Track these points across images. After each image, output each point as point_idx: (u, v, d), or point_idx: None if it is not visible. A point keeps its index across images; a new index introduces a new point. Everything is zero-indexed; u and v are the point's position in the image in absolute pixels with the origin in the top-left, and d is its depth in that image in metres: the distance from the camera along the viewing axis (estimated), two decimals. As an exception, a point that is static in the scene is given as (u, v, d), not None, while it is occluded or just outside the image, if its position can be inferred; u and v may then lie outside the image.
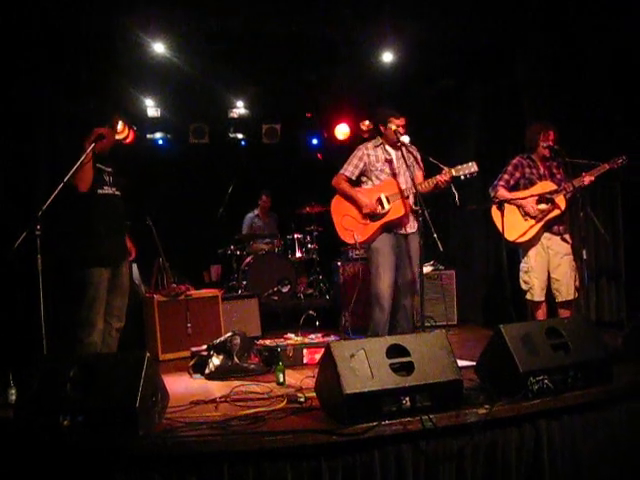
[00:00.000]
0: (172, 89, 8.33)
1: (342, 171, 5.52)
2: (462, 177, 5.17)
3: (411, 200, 5.36)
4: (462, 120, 7.68)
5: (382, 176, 5.40)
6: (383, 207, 5.32)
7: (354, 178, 5.49)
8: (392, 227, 5.35)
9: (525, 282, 5.62)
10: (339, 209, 5.56)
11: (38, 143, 5.73)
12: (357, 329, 6.52)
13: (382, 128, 5.43)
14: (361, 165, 5.44)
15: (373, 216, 5.33)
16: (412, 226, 5.39)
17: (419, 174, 5.40)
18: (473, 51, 7.07)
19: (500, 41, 6.84)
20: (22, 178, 5.53)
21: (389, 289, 5.29)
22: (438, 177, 5.18)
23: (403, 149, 5.19)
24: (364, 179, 5.49)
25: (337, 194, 5.59)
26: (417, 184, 5.10)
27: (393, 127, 5.23)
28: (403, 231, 5.38)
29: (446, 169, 5.16)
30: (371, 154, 5.44)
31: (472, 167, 5.16)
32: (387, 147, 5.46)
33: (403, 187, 5.29)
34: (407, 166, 5.21)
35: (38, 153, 5.71)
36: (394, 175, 5.37)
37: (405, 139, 5.22)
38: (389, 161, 5.41)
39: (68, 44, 5.96)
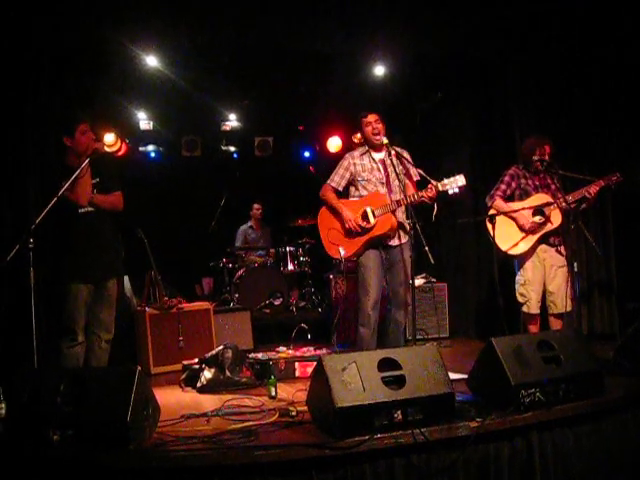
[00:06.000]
0: (164, 102, 8.35)
1: (328, 182, 5.35)
2: (451, 192, 4.93)
3: (401, 211, 5.17)
4: (455, 133, 7.68)
5: (369, 186, 5.19)
6: (368, 222, 5.10)
7: (341, 189, 5.32)
8: (379, 241, 5.15)
9: (522, 295, 5.59)
10: (325, 222, 5.38)
11: (30, 149, 5.70)
12: (349, 342, 6.49)
13: (360, 133, 5.37)
14: (347, 175, 5.27)
15: (358, 231, 5.13)
16: (402, 237, 5.19)
17: (410, 183, 5.20)
18: (465, 64, 7.09)
19: (492, 53, 6.86)
20: (18, 185, 5.49)
21: (375, 306, 5.13)
22: (423, 193, 4.96)
23: (392, 154, 5.09)
24: (352, 189, 5.31)
25: (324, 206, 5.40)
26: (408, 194, 4.98)
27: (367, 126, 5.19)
28: (392, 243, 5.17)
29: (432, 184, 4.96)
30: (357, 163, 5.24)
31: (460, 180, 4.92)
32: (374, 154, 5.25)
33: (392, 198, 5.10)
34: (397, 174, 5.09)
35: (30, 160, 5.68)
36: (382, 184, 5.18)
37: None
38: (377, 169, 5.21)
39: (61, 56, 5.96)
